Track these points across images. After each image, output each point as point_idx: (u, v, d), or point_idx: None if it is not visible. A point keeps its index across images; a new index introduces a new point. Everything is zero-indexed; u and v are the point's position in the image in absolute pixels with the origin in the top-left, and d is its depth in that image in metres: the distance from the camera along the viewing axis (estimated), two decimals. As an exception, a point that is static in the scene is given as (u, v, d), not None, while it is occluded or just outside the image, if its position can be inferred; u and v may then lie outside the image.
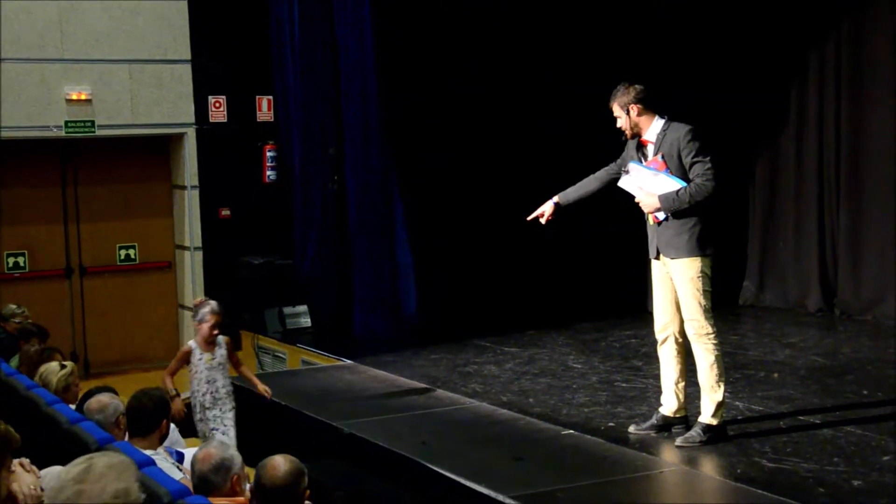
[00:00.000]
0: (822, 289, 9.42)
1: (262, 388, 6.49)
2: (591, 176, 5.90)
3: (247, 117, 10.67)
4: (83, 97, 9.99)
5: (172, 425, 5.03)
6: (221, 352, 6.32)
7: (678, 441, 5.55)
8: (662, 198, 5.46)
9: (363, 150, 9.53)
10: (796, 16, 9.45)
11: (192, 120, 10.49)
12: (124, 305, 10.69)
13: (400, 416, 6.55)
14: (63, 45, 9.94)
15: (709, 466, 5.29)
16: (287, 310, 9.96)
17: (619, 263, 9.76)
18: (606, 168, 5.87)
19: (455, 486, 5.17)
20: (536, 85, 10.42)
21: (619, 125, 5.64)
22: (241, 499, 3.61)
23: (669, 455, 5.46)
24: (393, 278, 9.63)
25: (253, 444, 5.72)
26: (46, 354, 6.24)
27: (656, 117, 5.58)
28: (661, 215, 5.52)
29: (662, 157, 5.50)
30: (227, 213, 10.64)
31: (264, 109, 10.77)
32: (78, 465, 2.81)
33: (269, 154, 10.60)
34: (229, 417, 6.26)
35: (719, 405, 5.54)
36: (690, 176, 5.43)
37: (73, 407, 5.00)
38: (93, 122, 10.07)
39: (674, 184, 5.44)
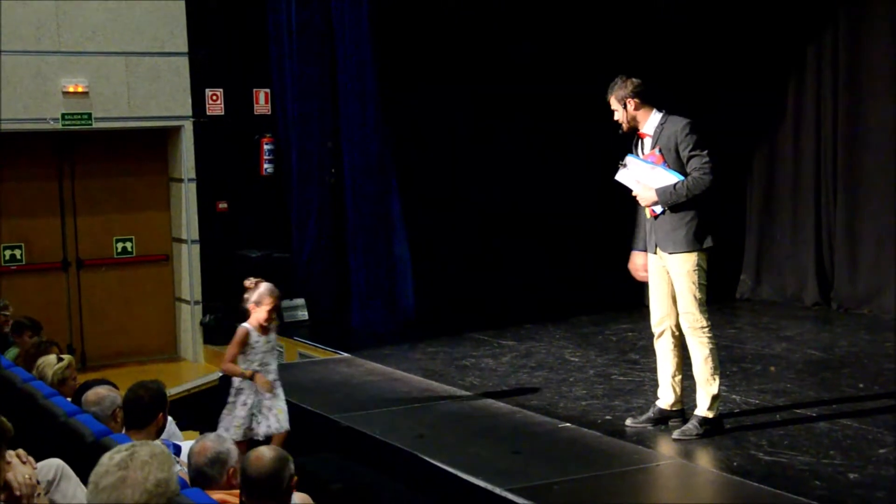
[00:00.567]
0: (818, 283, 9.44)
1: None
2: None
3: (244, 110, 10.64)
4: (80, 90, 9.97)
5: (170, 418, 5.02)
6: (273, 335, 6.09)
7: (675, 434, 5.56)
8: (660, 191, 5.45)
9: (360, 143, 9.53)
10: (794, 11, 9.45)
11: (190, 113, 10.46)
12: (121, 298, 10.67)
13: (397, 410, 6.56)
14: (60, 37, 9.91)
15: (705, 459, 5.30)
16: (284, 303, 9.93)
17: (616, 257, 9.76)
18: None
19: (452, 479, 5.18)
20: (535, 80, 10.42)
21: (615, 118, 5.63)
22: (237, 491, 3.62)
23: (666, 448, 5.47)
24: (390, 271, 9.63)
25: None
26: (44, 347, 6.22)
27: (654, 111, 5.58)
28: (659, 209, 5.52)
29: (660, 150, 5.49)
30: (225, 206, 10.62)
31: (261, 102, 10.75)
32: (121, 451, 2.84)
33: (266, 147, 10.58)
34: (282, 400, 6.00)
35: (714, 398, 5.56)
36: (688, 169, 5.43)
37: (69, 400, 5.00)
38: (90, 114, 10.04)
39: (671, 177, 5.44)
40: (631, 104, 5.54)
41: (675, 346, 5.70)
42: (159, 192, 10.83)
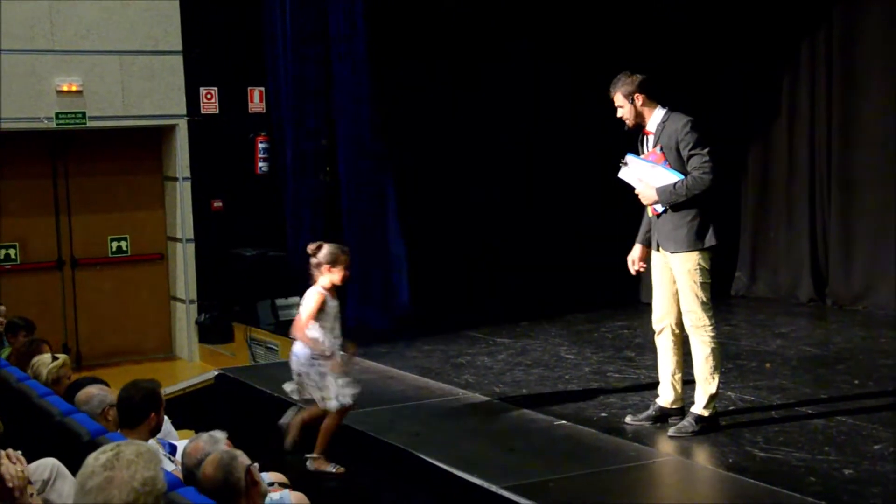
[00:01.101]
0: (813, 279, 9.45)
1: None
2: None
3: (239, 109, 10.64)
4: (74, 89, 9.96)
5: (165, 416, 5.01)
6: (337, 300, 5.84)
7: (670, 431, 5.56)
8: (660, 190, 5.45)
9: (355, 141, 9.52)
10: (788, 8, 9.46)
11: (184, 111, 10.46)
12: (116, 298, 10.67)
13: (392, 408, 6.55)
14: (53, 36, 9.90)
15: (701, 456, 5.31)
16: (280, 301, 9.94)
17: (611, 254, 9.77)
18: None
19: (448, 477, 5.18)
20: (531, 78, 10.42)
21: (620, 115, 5.61)
22: None
23: (662, 445, 5.47)
24: (386, 270, 9.63)
25: (246, 436, 5.72)
26: (35, 346, 6.21)
27: (658, 107, 5.56)
28: (660, 207, 5.52)
29: (661, 148, 5.48)
30: (220, 204, 10.62)
31: (256, 101, 10.75)
32: (106, 451, 2.82)
33: (261, 145, 10.57)
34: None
35: (712, 397, 5.55)
36: (688, 168, 5.42)
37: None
38: (84, 113, 10.03)
39: (671, 176, 5.43)
40: (638, 100, 5.53)
41: (675, 344, 5.70)
42: (154, 191, 10.83)
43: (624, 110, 5.58)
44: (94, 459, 2.80)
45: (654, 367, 6.78)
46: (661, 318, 5.70)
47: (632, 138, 5.76)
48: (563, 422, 5.95)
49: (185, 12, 10.37)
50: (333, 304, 5.70)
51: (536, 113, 10.41)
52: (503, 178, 10.54)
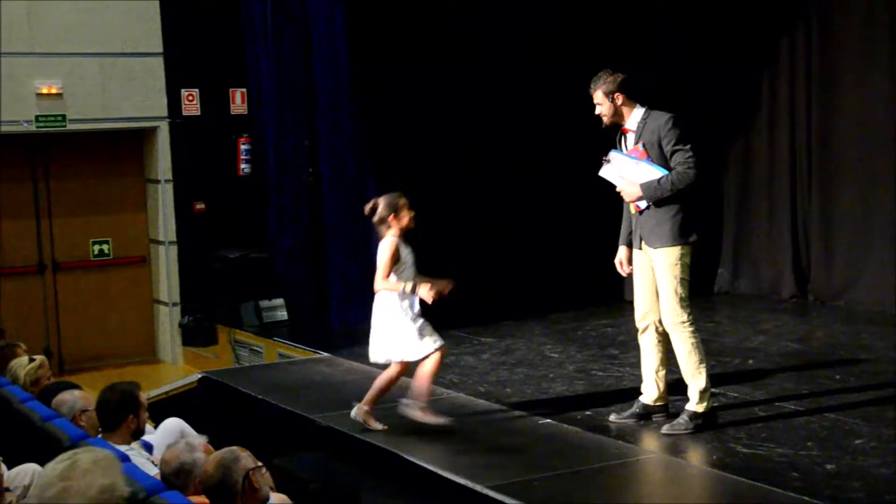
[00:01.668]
0: (795, 275, 9.50)
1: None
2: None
3: (220, 110, 10.61)
4: (54, 91, 9.91)
5: (148, 421, 4.99)
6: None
7: (664, 429, 5.56)
8: (644, 186, 5.47)
9: (338, 142, 9.50)
10: (767, 5, 9.50)
11: (165, 113, 10.43)
12: (98, 301, 10.62)
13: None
14: (32, 38, 9.84)
15: (684, 453, 5.32)
16: (263, 303, 9.93)
17: (595, 253, 9.77)
18: None
19: (432, 477, 5.17)
20: (513, 78, 10.39)
21: (598, 112, 5.63)
22: (205, 499, 3.55)
23: (645, 443, 5.49)
24: (369, 270, 9.59)
25: (231, 438, 5.69)
26: (9, 350, 6.17)
27: (637, 105, 5.59)
28: (643, 204, 5.53)
29: (643, 145, 5.50)
30: (202, 206, 10.59)
31: (238, 102, 10.72)
32: (62, 461, 2.78)
33: (243, 147, 10.55)
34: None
35: (703, 392, 5.55)
36: (671, 164, 5.44)
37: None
38: (64, 116, 9.98)
39: (655, 172, 5.45)
40: (619, 99, 5.55)
41: (658, 342, 5.71)
42: (136, 194, 10.79)
43: (603, 108, 5.60)
44: (52, 469, 2.76)
45: (639, 365, 6.81)
46: (644, 316, 5.71)
47: (611, 136, 5.77)
48: (548, 420, 5.96)
49: (166, 14, 10.33)
50: (407, 252, 5.70)
51: (518, 111, 10.39)
52: (487, 177, 10.54)
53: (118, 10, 10.19)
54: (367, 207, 5.78)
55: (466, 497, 4.92)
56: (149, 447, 4.82)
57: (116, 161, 10.67)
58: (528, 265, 10.40)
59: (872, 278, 8.88)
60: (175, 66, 10.40)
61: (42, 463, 3.81)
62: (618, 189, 5.63)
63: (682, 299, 5.49)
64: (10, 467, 3.95)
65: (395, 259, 5.62)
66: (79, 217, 10.51)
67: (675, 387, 5.79)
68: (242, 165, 10.57)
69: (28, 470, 3.88)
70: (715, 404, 5.70)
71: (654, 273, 5.58)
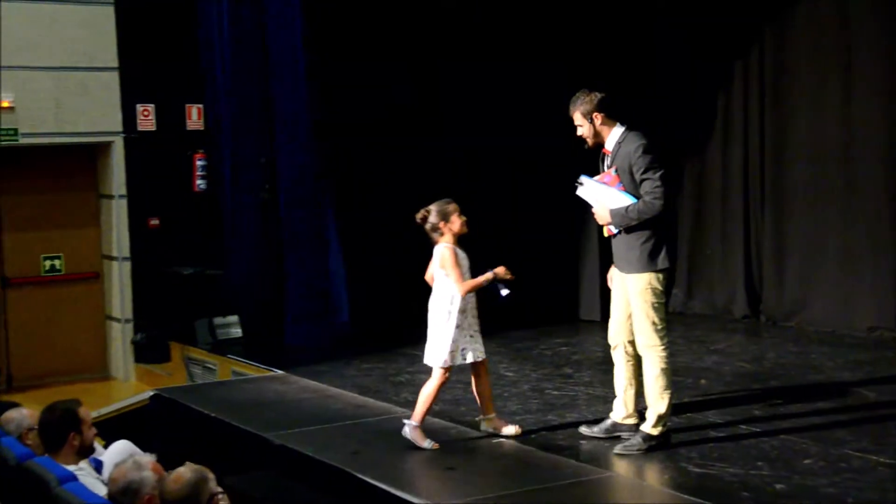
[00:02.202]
0: (747, 295, 9.61)
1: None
2: None
3: (176, 126, 10.54)
4: (6, 105, 9.78)
5: (97, 440, 4.91)
6: None
7: (617, 448, 5.59)
8: (613, 213, 5.52)
9: (294, 158, 9.47)
10: (721, 27, 9.63)
11: (120, 128, 10.34)
12: (50, 317, 10.47)
13: (331, 427, 6.51)
14: (-16, 51, 9.71)
15: (638, 473, 5.35)
16: (217, 320, 9.85)
17: (551, 272, 9.82)
18: None
19: (387, 497, 5.15)
20: (468, 90, 10.40)
21: (579, 133, 5.64)
22: None
23: (600, 462, 5.51)
24: (325, 288, 9.58)
25: (183, 456, 5.63)
26: None
27: (616, 125, 5.61)
28: (615, 228, 5.57)
29: (616, 170, 5.53)
30: (157, 222, 10.50)
31: (194, 118, 10.66)
32: None
33: (199, 163, 10.48)
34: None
35: (661, 416, 5.57)
36: (640, 192, 5.47)
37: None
38: (16, 130, 9.86)
39: (624, 199, 5.48)
40: (598, 119, 5.56)
41: (627, 361, 5.76)
42: (89, 209, 10.67)
43: (583, 129, 5.61)
44: None
45: (593, 384, 6.85)
46: (616, 335, 5.78)
47: (585, 151, 5.78)
48: (503, 439, 5.97)
49: (121, 28, 10.25)
50: (463, 255, 5.83)
51: (479, 125, 10.35)
52: (444, 194, 10.52)
53: (73, 24, 10.09)
54: (419, 216, 5.89)
55: (420, 517, 4.91)
56: (99, 466, 4.74)
57: (69, 176, 10.55)
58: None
59: (823, 300, 9.01)
60: (130, 80, 10.32)
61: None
62: (592, 210, 5.67)
63: (654, 324, 5.51)
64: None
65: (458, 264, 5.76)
66: (30, 232, 10.37)
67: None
68: (198, 181, 10.50)
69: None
70: (669, 425, 5.74)
71: (627, 295, 5.62)
